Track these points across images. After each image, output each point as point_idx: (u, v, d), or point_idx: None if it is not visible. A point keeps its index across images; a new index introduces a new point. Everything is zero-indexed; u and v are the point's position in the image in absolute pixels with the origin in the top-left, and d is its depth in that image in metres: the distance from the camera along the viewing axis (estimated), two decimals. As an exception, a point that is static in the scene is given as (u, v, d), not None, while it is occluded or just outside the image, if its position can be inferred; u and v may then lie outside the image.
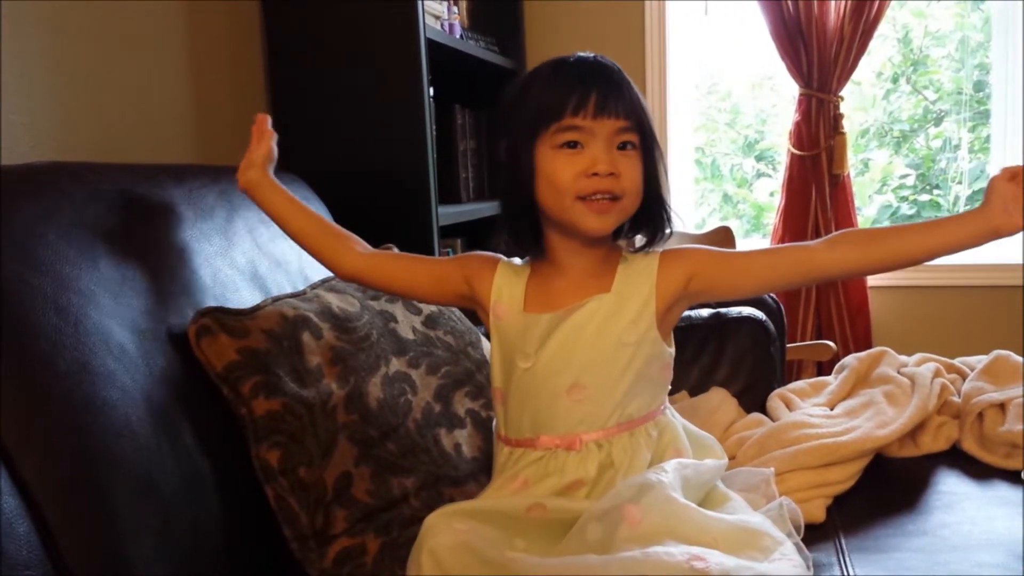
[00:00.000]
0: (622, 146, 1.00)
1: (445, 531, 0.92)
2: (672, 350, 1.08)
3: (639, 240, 1.07)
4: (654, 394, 1.06)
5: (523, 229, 1.06)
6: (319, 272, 1.39)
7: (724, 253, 1.07)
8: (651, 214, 1.05)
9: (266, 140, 1.18)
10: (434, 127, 1.80)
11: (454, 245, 2.14)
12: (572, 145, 0.99)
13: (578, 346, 1.02)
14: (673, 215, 1.07)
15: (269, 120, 1.20)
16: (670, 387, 1.11)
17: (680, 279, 1.04)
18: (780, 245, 1.08)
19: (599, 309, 1.03)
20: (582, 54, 1.05)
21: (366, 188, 1.77)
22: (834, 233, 1.04)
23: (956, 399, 1.45)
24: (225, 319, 1.06)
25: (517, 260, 1.12)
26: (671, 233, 1.08)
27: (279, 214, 1.15)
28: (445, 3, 2.06)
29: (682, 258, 1.06)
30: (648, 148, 1.03)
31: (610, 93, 0.99)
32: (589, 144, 0.99)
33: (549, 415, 1.03)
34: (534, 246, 1.07)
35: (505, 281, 1.09)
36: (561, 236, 1.05)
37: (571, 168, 0.99)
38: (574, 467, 1.01)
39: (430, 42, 1.77)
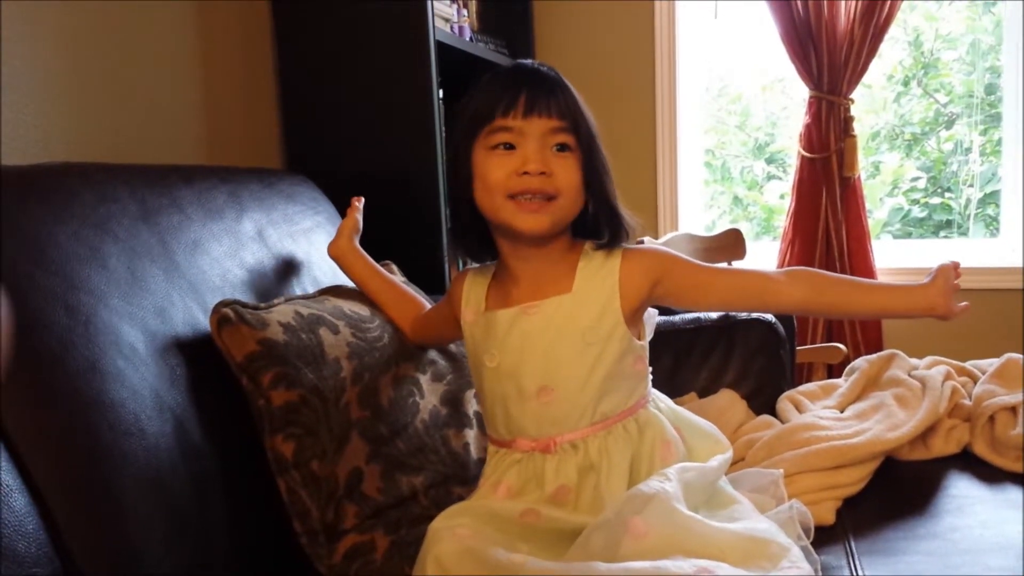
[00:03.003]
0: (561, 148, 1.01)
1: (448, 538, 0.92)
2: (644, 343, 1.08)
3: (598, 242, 1.07)
4: (630, 389, 1.05)
5: (470, 234, 1.08)
6: (328, 276, 1.39)
7: (691, 266, 1.08)
8: (600, 218, 1.05)
9: (352, 213, 1.31)
10: (443, 129, 1.80)
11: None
12: (508, 147, 1.00)
13: (539, 348, 1.03)
14: (628, 218, 1.06)
15: (363, 201, 1.35)
16: (651, 378, 1.10)
17: (644, 282, 1.05)
18: (746, 269, 1.10)
19: (558, 310, 1.03)
20: (522, 61, 1.06)
21: (375, 189, 1.77)
22: (795, 268, 1.08)
23: (967, 402, 1.44)
24: (244, 311, 1.06)
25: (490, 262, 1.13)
26: (628, 236, 1.06)
27: (359, 280, 1.29)
28: (454, 5, 2.06)
29: (647, 260, 1.06)
30: (588, 151, 1.02)
31: (540, 94, 1.00)
32: (521, 145, 1.00)
33: (521, 418, 1.04)
34: (483, 251, 1.09)
35: (471, 287, 1.12)
36: (508, 243, 1.06)
37: (503, 168, 1.00)
38: (553, 473, 1.01)
39: (439, 44, 1.78)
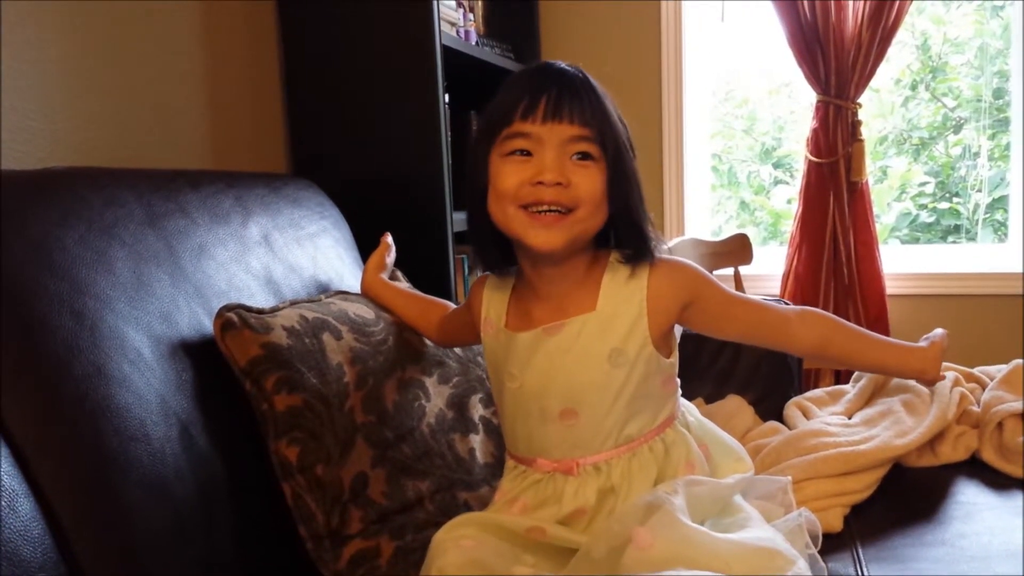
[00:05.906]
0: (581, 157, 0.95)
1: (452, 549, 0.91)
2: (673, 360, 1.03)
3: (623, 253, 1.01)
4: (656, 410, 1.02)
5: (487, 244, 1.03)
6: (333, 280, 1.39)
7: (722, 294, 1.03)
8: (622, 232, 1.00)
9: (380, 251, 1.34)
10: (449, 134, 1.80)
11: (468, 251, 2.14)
12: (524, 154, 0.95)
13: (563, 369, 0.98)
14: (654, 237, 1.00)
15: (390, 237, 1.37)
16: (680, 395, 1.08)
17: (674, 303, 1.00)
18: (767, 304, 1.06)
19: (583, 330, 0.98)
20: (549, 61, 1.00)
21: (381, 194, 1.78)
22: (808, 309, 1.06)
23: (975, 408, 1.43)
24: (247, 316, 1.06)
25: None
26: (652, 257, 1.00)
27: (387, 306, 1.28)
28: (461, 10, 2.06)
29: (679, 280, 1.01)
30: (616, 161, 0.96)
31: (564, 98, 0.94)
32: (539, 152, 0.94)
33: (543, 439, 1.01)
34: (501, 262, 1.05)
35: (492, 295, 1.08)
36: (529, 260, 1.01)
37: (516, 176, 0.94)
38: (572, 494, 0.98)
39: (446, 49, 1.77)
